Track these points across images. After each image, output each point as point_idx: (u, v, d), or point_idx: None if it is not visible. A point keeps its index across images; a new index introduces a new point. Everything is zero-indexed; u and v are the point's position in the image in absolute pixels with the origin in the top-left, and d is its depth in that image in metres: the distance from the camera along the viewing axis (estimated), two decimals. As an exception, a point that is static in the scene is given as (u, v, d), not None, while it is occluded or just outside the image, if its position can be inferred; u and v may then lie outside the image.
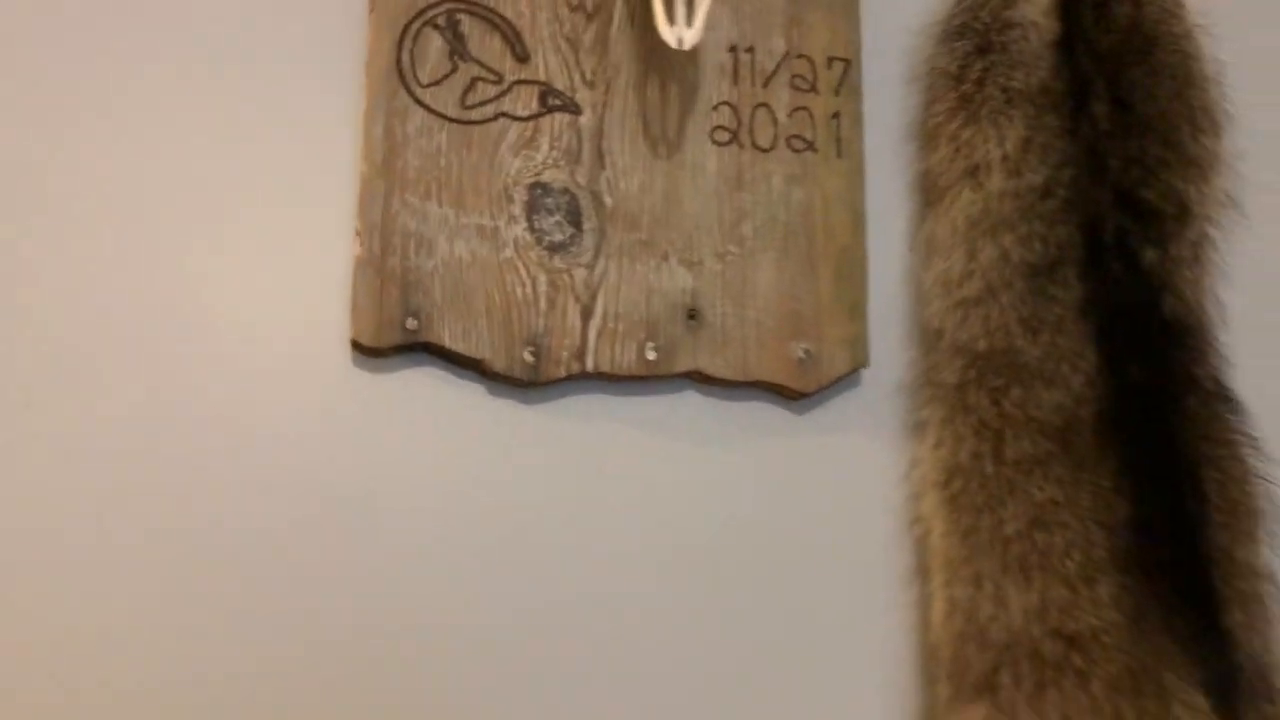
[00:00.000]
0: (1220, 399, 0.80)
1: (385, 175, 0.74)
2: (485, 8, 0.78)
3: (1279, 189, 0.87)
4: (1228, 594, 0.74)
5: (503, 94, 0.77)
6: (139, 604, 0.67)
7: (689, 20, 0.70)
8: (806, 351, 0.79)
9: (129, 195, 0.72)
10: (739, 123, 0.81)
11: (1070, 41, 0.84)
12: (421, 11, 0.77)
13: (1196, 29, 0.87)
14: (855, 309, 0.80)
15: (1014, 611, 0.72)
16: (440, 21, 0.77)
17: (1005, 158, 0.81)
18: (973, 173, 0.81)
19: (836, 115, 0.82)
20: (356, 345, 0.72)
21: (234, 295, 0.72)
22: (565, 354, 0.75)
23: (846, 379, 0.80)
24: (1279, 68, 0.89)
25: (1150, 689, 0.72)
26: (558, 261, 0.76)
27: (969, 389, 0.77)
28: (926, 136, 0.83)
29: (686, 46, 0.70)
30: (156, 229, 0.72)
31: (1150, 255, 0.81)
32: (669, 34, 0.70)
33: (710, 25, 0.79)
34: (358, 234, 0.73)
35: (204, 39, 0.75)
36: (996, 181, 0.80)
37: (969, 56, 0.83)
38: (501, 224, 0.75)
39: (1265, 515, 0.78)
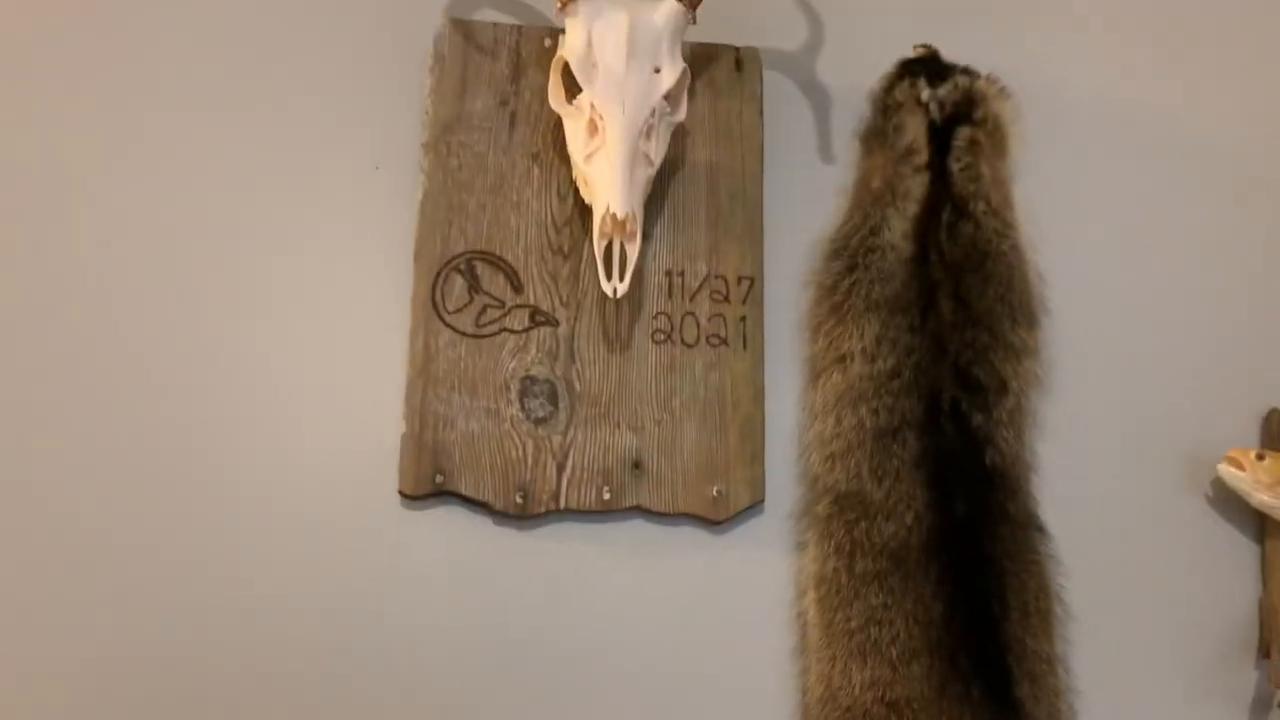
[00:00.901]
0: (1028, 527, 1.08)
1: (423, 375, 1.09)
2: (494, 255, 1.13)
3: (1078, 367, 1.14)
4: (1019, 672, 1.01)
5: (504, 315, 1.11)
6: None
7: (621, 277, 1.03)
8: (720, 491, 1.10)
9: (236, 388, 1.09)
10: (672, 326, 1.13)
11: (924, 254, 1.14)
12: (449, 260, 1.12)
13: (1022, 244, 1.15)
14: (755, 459, 1.11)
15: (855, 684, 1.01)
16: (462, 266, 1.12)
17: (864, 349, 1.10)
18: (841, 360, 1.11)
19: (743, 318, 1.14)
20: (402, 493, 1.07)
21: (320, 458, 1.08)
22: (545, 496, 1.08)
23: (750, 510, 1.11)
24: (1083, 277, 1.17)
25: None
26: (540, 431, 1.09)
27: (833, 519, 1.07)
28: (809, 332, 1.14)
29: (618, 296, 1.04)
30: (267, 411, 1.08)
31: (978, 419, 1.09)
32: (606, 286, 1.04)
33: (653, 256, 1.12)
34: (404, 417, 1.08)
35: (300, 295, 1.11)
36: (857, 367, 1.10)
37: (841, 274, 1.14)
38: (502, 406, 1.09)
39: (1057, 616, 1.05)
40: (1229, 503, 1.14)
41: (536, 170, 1.14)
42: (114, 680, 1.01)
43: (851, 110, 1.21)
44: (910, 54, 1.20)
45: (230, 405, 1.08)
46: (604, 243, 1.05)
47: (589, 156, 1.06)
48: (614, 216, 1.02)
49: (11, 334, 1.07)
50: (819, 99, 1.23)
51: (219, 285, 1.10)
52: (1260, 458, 1.11)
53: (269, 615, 1.04)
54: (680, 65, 1.08)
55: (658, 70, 1.07)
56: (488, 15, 1.18)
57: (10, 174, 1.10)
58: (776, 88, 1.21)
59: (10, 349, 1.07)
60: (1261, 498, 1.11)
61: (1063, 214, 1.20)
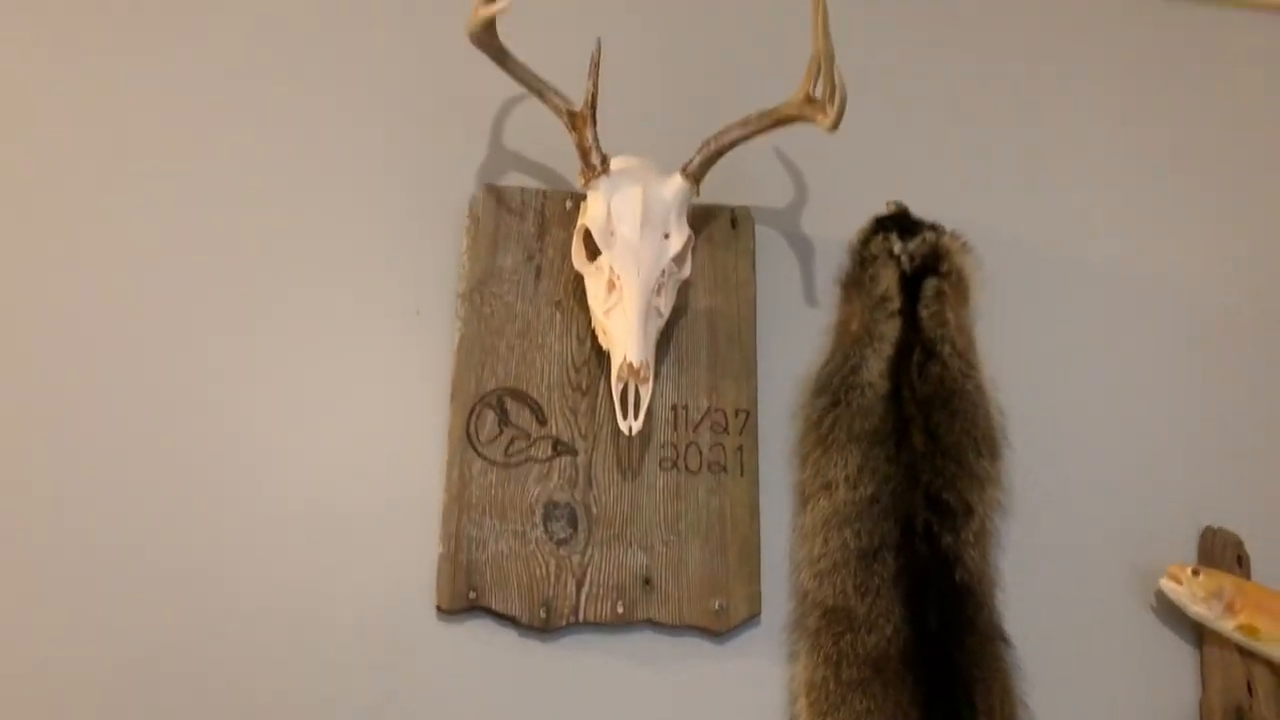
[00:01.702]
0: (994, 639, 1.21)
1: (458, 501, 1.22)
2: (521, 392, 1.27)
3: (1035, 493, 1.29)
4: (988, 767, 1.14)
5: (530, 446, 1.26)
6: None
7: (635, 415, 1.18)
8: (721, 605, 1.23)
9: (291, 513, 1.21)
10: (677, 455, 1.28)
11: (898, 392, 1.29)
12: (482, 397, 1.26)
13: (984, 382, 1.31)
14: (752, 576, 1.25)
15: (842, 778, 1.13)
16: (493, 402, 1.26)
17: (847, 477, 1.25)
18: (827, 486, 1.26)
19: (740, 448, 1.29)
20: (439, 608, 1.20)
21: (366, 576, 1.20)
22: (566, 610, 1.21)
23: (748, 622, 1.24)
24: (1038, 411, 1.33)
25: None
26: (562, 551, 1.22)
27: (822, 632, 1.20)
28: (798, 460, 1.29)
29: (633, 434, 1.19)
30: (319, 533, 1.21)
31: (947, 539, 1.23)
32: (623, 425, 1.19)
33: (660, 393, 1.27)
34: (441, 539, 1.21)
35: (349, 428, 1.24)
36: (841, 493, 1.25)
37: (825, 409, 1.29)
38: (527, 529, 1.23)
39: (1021, 717, 1.18)
40: (1170, 613, 1.28)
41: (559, 317, 1.29)
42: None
43: (833, 260, 1.38)
44: (883, 210, 1.37)
45: (286, 529, 1.20)
46: (620, 386, 1.20)
47: (608, 311, 1.21)
48: (630, 365, 1.18)
49: (71, 477, 1.20)
50: (804, 250, 1.40)
51: (275, 421, 1.24)
52: (1195, 573, 1.26)
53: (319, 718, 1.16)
54: (686, 231, 1.25)
55: (667, 236, 1.23)
56: (516, 180, 1.35)
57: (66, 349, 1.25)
58: (767, 241, 1.38)
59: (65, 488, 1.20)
60: (1197, 609, 1.25)
61: (1019, 355, 1.36)
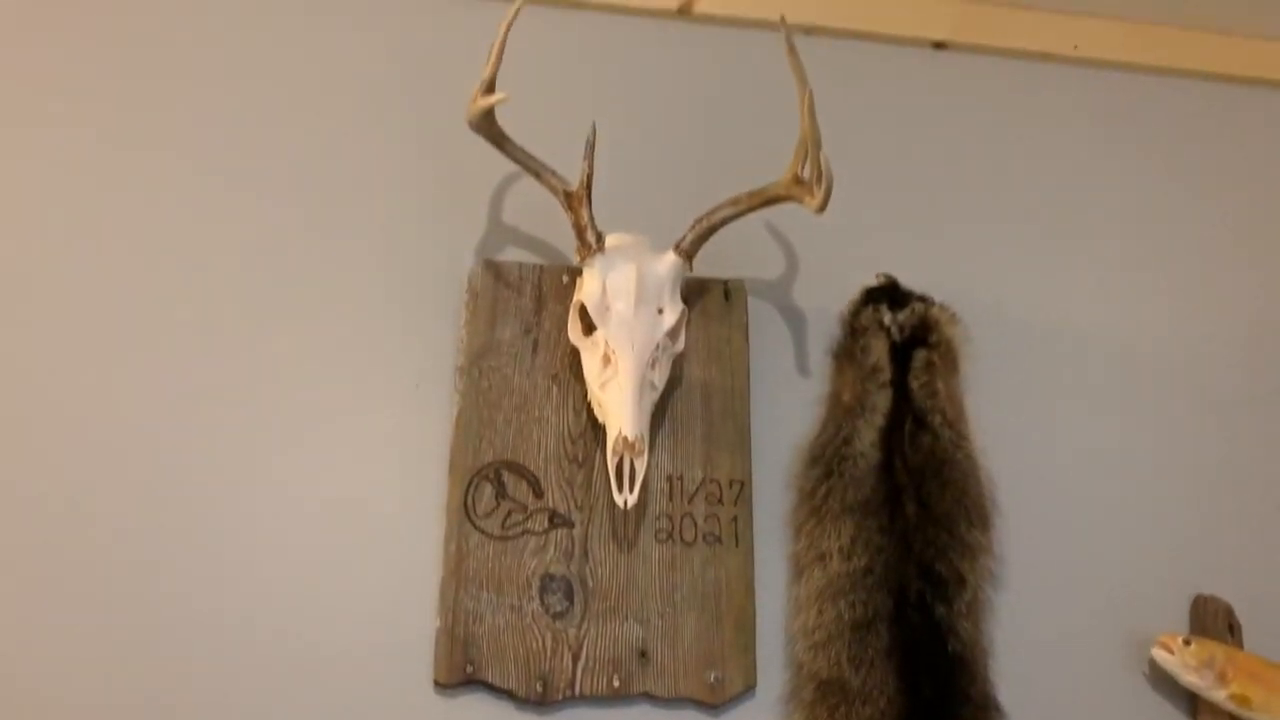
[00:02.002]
0: (987, 709, 1.22)
1: (455, 575, 1.24)
2: (518, 465, 1.29)
3: (1026, 563, 1.31)
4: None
5: (527, 519, 1.27)
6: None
7: (631, 488, 1.20)
8: (716, 677, 1.24)
9: (289, 587, 1.22)
10: (673, 526, 1.29)
11: (890, 462, 1.31)
12: (480, 470, 1.28)
13: (974, 452, 1.33)
14: (747, 648, 1.26)
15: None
16: (490, 475, 1.28)
17: (841, 548, 1.26)
18: (821, 558, 1.27)
19: (735, 518, 1.30)
20: (436, 682, 1.20)
21: (364, 650, 1.21)
22: (562, 684, 1.22)
23: (744, 694, 1.24)
24: (1028, 481, 1.35)
25: None
26: (558, 624, 1.23)
27: (817, 704, 1.21)
28: (792, 531, 1.30)
29: (628, 507, 1.20)
30: (316, 606, 1.22)
31: (940, 610, 1.24)
32: (618, 498, 1.20)
33: (655, 464, 1.29)
34: (439, 613, 1.22)
35: (347, 501, 1.26)
36: (835, 564, 1.26)
37: (819, 480, 1.30)
38: (524, 602, 1.24)
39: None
40: (1163, 681, 1.29)
41: (555, 389, 1.32)
42: None
43: (825, 330, 1.40)
44: (873, 282, 1.41)
45: (283, 602, 1.21)
46: (616, 459, 1.22)
47: (604, 385, 1.24)
48: (625, 439, 1.19)
49: (72, 542, 1.21)
50: (796, 322, 1.43)
51: (274, 492, 1.25)
52: (1187, 642, 1.27)
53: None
54: (680, 306, 1.28)
55: (661, 311, 1.26)
56: (513, 255, 1.39)
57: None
58: (760, 313, 1.41)
59: (67, 550, 1.21)
60: (1189, 679, 1.26)
61: (1009, 425, 1.39)
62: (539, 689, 1.21)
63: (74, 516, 1.21)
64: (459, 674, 1.20)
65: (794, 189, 1.25)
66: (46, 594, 1.18)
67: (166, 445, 1.25)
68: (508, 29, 1.22)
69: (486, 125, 1.24)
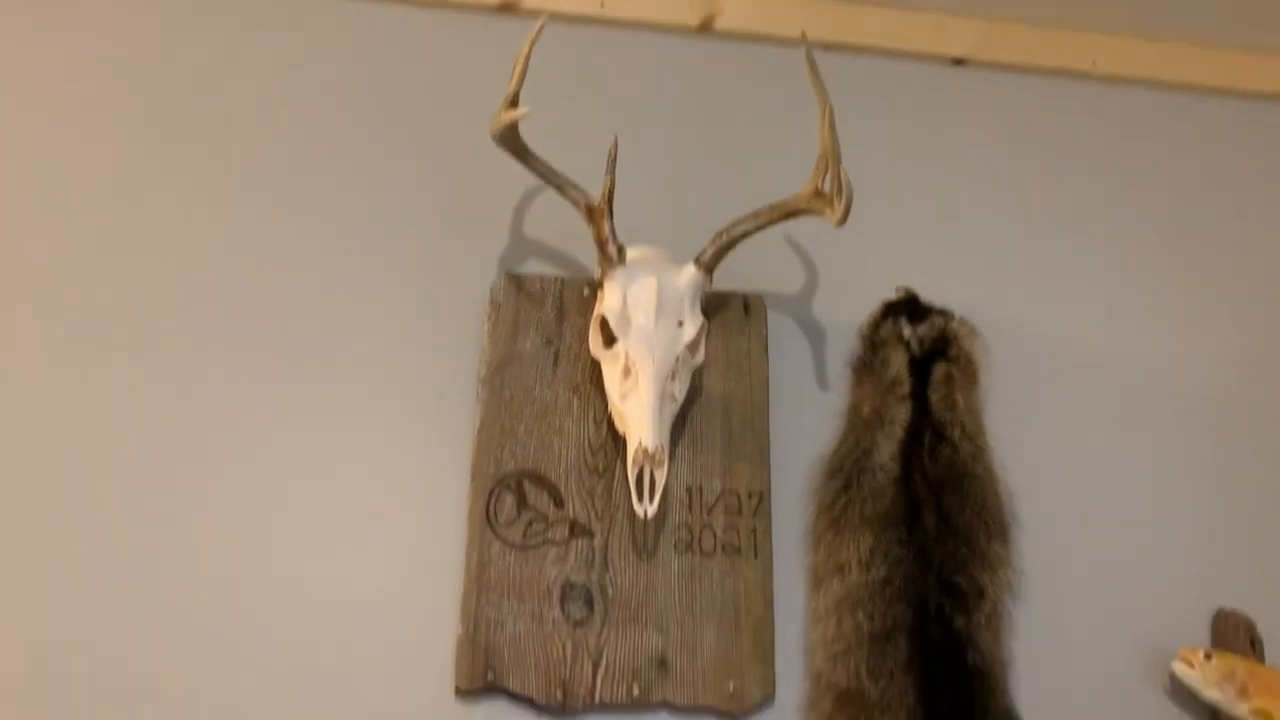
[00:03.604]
0: (1007, 721, 1.22)
1: (477, 583, 1.25)
2: (539, 475, 1.30)
3: (1046, 575, 1.31)
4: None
5: (548, 528, 1.28)
6: None
7: (650, 499, 1.21)
8: (735, 687, 1.24)
9: (312, 597, 1.24)
10: (692, 537, 1.30)
11: (909, 474, 1.32)
12: (501, 479, 1.30)
13: (994, 464, 1.33)
14: (766, 658, 1.26)
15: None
16: (511, 485, 1.30)
17: (860, 560, 1.27)
18: (839, 569, 1.27)
19: (754, 529, 1.31)
20: (458, 689, 1.22)
21: (386, 657, 1.22)
22: (582, 692, 1.22)
23: (762, 704, 1.25)
24: (1048, 493, 1.35)
25: None
26: (578, 632, 1.24)
27: (835, 715, 1.21)
28: (811, 542, 1.31)
29: (648, 518, 1.22)
30: (339, 615, 1.23)
31: (960, 622, 1.24)
32: (638, 508, 1.22)
33: (675, 475, 1.30)
34: (460, 620, 1.23)
35: (369, 510, 1.28)
36: (854, 575, 1.26)
37: (838, 493, 1.31)
38: (545, 610, 1.25)
39: (1035, 802, 1.19)
40: (1184, 696, 1.29)
41: (576, 401, 1.33)
42: None
43: (844, 344, 1.41)
44: (893, 296, 1.41)
45: (306, 609, 1.23)
46: (636, 470, 1.23)
47: (624, 396, 1.25)
48: (645, 449, 1.21)
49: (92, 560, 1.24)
50: (816, 335, 1.44)
51: (297, 500, 1.27)
52: (1208, 656, 1.27)
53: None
54: (699, 319, 1.29)
55: (681, 324, 1.27)
56: (535, 268, 1.40)
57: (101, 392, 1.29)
58: (779, 326, 1.42)
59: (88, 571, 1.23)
60: (1210, 693, 1.25)
61: (1028, 438, 1.39)
62: (559, 696, 1.22)
63: (107, 524, 1.23)
64: (480, 681, 1.21)
65: (814, 202, 1.26)
66: (80, 598, 1.21)
67: (192, 454, 1.27)
68: (532, 45, 1.24)
69: (510, 139, 1.26)
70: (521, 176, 1.32)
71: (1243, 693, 1.25)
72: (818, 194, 1.27)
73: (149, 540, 1.23)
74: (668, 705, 1.24)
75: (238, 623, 1.21)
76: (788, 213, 1.29)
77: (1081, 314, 1.50)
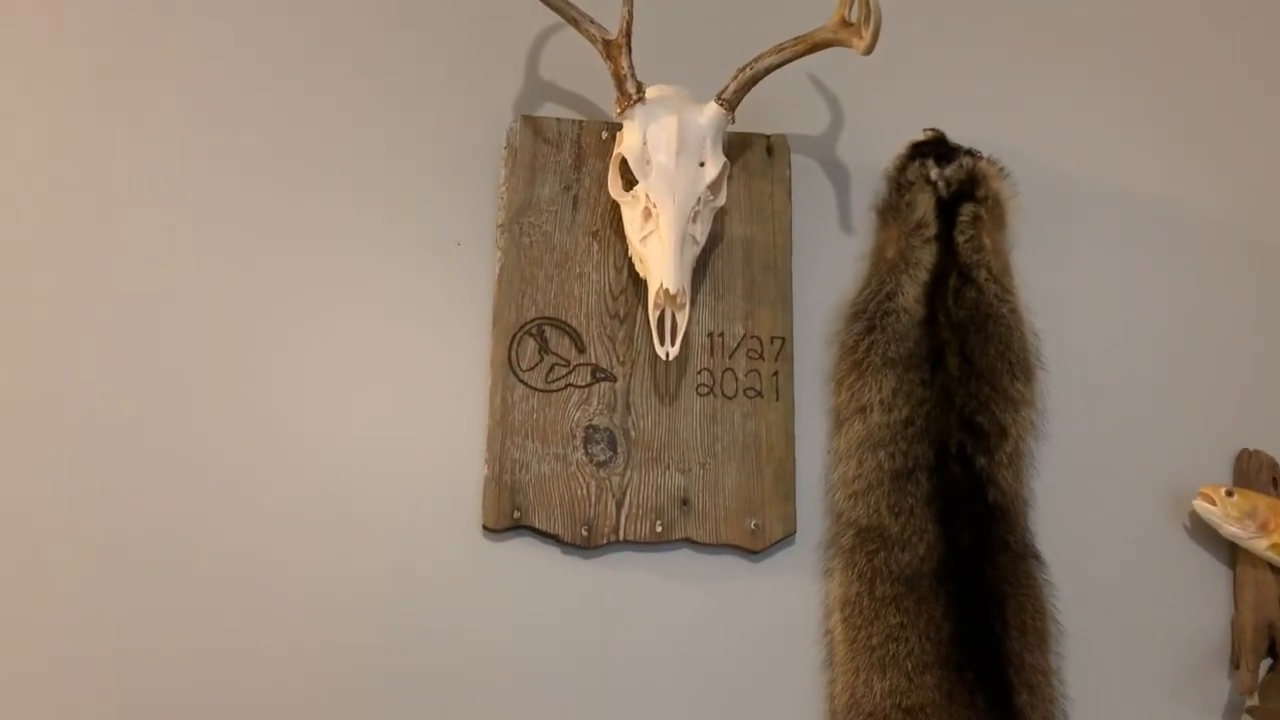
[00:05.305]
0: (1026, 556, 1.23)
1: (502, 425, 1.26)
2: (560, 321, 1.30)
3: (1068, 415, 1.30)
4: (1018, 683, 1.17)
5: (570, 372, 1.29)
6: None
7: (672, 341, 1.21)
8: (756, 525, 1.27)
9: (340, 442, 1.26)
10: (714, 381, 1.30)
11: (933, 317, 1.30)
12: (523, 325, 1.30)
13: (1019, 306, 1.32)
14: (787, 497, 1.28)
15: (876, 693, 1.17)
16: (533, 331, 1.29)
17: (882, 401, 1.27)
18: (861, 410, 1.27)
19: (776, 373, 1.31)
20: (485, 527, 1.24)
21: (415, 498, 1.25)
22: (606, 529, 1.25)
23: (783, 541, 1.27)
24: (1072, 334, 1.34)
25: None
26: (602, 473, 1.26)
27: (856, 550, 1.23)
28: (834, 385, 1.31)
29: (670, 359, 1.21)
30: (368, 459, 1.26)
31: (981, 461, 1.25)
32: (660, 350, 1.21)
33: (696, 320, 1.29)
34: (486, 462, 1.25)
35: (394, 358, 1.28)
36: (876, 416, 1.27)
37: (861, 334, 1.30)
38: (568, 452, 1.26)
39: (1052, 633, 1.21)
40: (1204, 532, 1.30)
41: (596, 246, 1.32)
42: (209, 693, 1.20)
43: (869, 187, 1.38)
44: (920, 136, 1.37)
45: (338, 456, 1.25)
46: (657, 313, 1.22)
47: (644, 239, 1.23)
48: (667, 291, 1.20)
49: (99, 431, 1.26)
50: (840, 178, 1.41)
51: (323, 353, 1.28)
52: (1230, 494, 1.27)
53: (370, 631, 1.21)
54: (721, 159, 1.26)
55: (702, 164, 1.24)
56: (552, 111, 1.37)
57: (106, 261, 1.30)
58: (803, 168, 1.39)
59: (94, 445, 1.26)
60: (1230, 529, 1.26)
61: (1054, 279, 1.36)
62: (584, 533, 1.24)
63: (140, 375, 1.26)
64: (506, 519, 1.24)
65: (841, 32, 1.21)
66: (118, 446, 1.24)
67: (219, 310, 1.28)
68: None
69: (523, -30, 1.22)
70: (537, 15, 1.28)
71: (1263, 529, 1.25)
72: (844, 23, 1.21)
73: (181, 389, 1.25)
74: (690, 542, 1.26)
75: (273, 470, 1.24)
76: (813, 44, 1.24)
77: (1114, 156, 1.44)
